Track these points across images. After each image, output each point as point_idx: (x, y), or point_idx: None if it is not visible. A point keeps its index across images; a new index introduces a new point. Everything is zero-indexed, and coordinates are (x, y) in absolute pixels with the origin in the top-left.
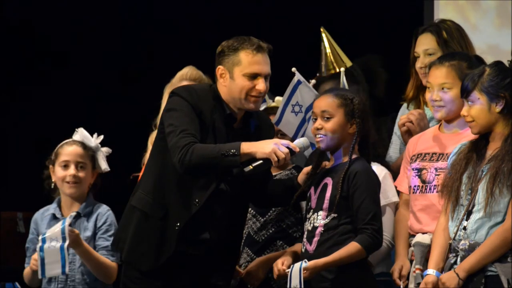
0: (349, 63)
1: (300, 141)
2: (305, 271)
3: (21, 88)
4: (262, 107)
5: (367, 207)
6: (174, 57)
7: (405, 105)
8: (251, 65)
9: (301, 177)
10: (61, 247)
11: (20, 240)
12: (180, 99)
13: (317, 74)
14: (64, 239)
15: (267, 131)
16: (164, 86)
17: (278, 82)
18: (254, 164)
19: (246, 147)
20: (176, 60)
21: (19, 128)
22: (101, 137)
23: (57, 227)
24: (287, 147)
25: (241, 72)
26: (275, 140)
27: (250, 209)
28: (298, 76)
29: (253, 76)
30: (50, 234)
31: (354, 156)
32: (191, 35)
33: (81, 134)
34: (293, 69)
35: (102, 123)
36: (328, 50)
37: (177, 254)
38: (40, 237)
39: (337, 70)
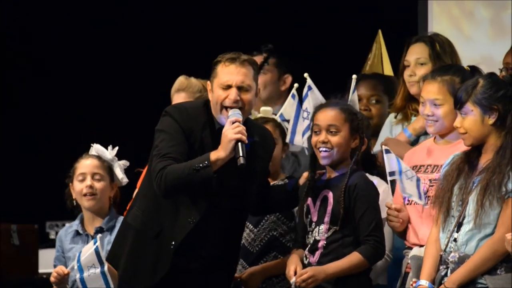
0: (389, 72)
1: (234, 114)
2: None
3: (18, 98)
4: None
5: (368, 218)
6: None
7: (392, 114)
8: (223, 75)
9: (302, 181)
10: (102, 272)
11: (14, 252)
12: (170, 120)
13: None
14: (101, 263)
15: (266, 145)
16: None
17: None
18: (240, 155)
19: (214, 154)
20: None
21: (14, 140)
22: (116, 148)
23: (89, 251)
24: (234, 122)
25: (216, 84)
26: (224, 130)
27: None
28: (309, 82)
29: (225, 87)
30: (85, 261)
31: (347, 169)
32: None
33: (96, 148)
34: (305, 75)
35: (108, 130)
36: (377, 52)
37: (173, 269)
38: (75, 267)
39: (380, 71)
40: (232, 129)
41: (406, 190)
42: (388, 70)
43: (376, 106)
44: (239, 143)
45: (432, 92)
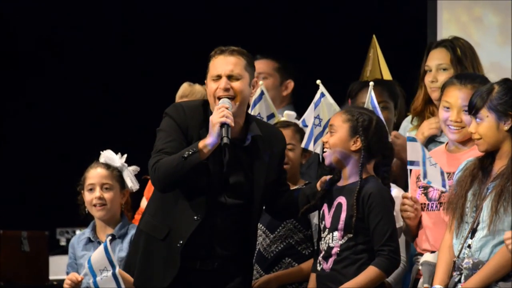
0: (388, 77)
1: (222, 102)
2: None
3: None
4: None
5: (382, 228)
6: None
7: (408, 118)
8: (213, 68)
9: (320, 185)
10: (113, 275)
11: (24, 259)
12: (168, 119)
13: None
14: (113, 265)
15: (271, 141)
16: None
17: None
18: (223, 135)
19: (202, 141)
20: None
21: (24, 147)
22: (125, 156)
23: (100, 255)
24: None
25: (209, 79)
26: (211, 117)
27: (260, 225)
28: (322, 89)
29: (216, 78)
30: (96, 265)
31: (366, 175)
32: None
33: (105, 156)
34: (318, 82)
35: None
36: (373, 57)
37: (187, 271)
38: (87, 270)
39: (380, 77)
40: (216, 114)
41: (428, 176)
42: (386, 75)
43: (384, 112)
44: (225, 126)
45: (463, 99)
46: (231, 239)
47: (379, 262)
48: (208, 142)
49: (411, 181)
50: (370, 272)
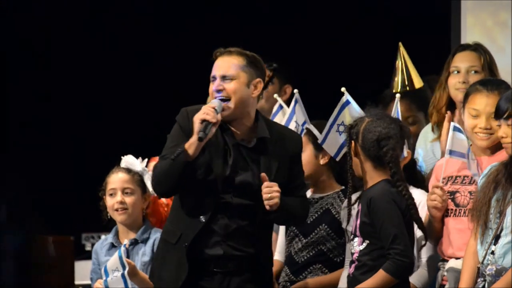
0: (419, 84)
1: (211, 102)
2: None
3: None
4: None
5: (385, 231)
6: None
7: (428, 127)
8: (212, 70)
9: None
10: (122, 275)
11: (50, 264)
12: (175, 125)
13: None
14: (123, 267)
15: (284, 145)
16: None
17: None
18: (200, 130)
19: (188, 141)
20: None
21: (50, 152)
22: (146, 160)
23: (115, 257)
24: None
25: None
26: (196, 115)
27: (294, 228)
28: (347, 96)
29: (212, 80)
30: (109, 265)
31: (380, 179)
32: None
33: (125, 160)
34: (343, 89)
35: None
36: (401, 67)
37: (201, 274)
38: (102, 271)
39: (410, 86)
40: (199, 112)
41: (472, 169)
42: (418, 83)
43: (413, 127)
44: (204, 122)
45: (491, 105)
46: (243, 239)
47: (386, 266)
48: (192, 140)
49: (433, 180)
50: (378, 275)
